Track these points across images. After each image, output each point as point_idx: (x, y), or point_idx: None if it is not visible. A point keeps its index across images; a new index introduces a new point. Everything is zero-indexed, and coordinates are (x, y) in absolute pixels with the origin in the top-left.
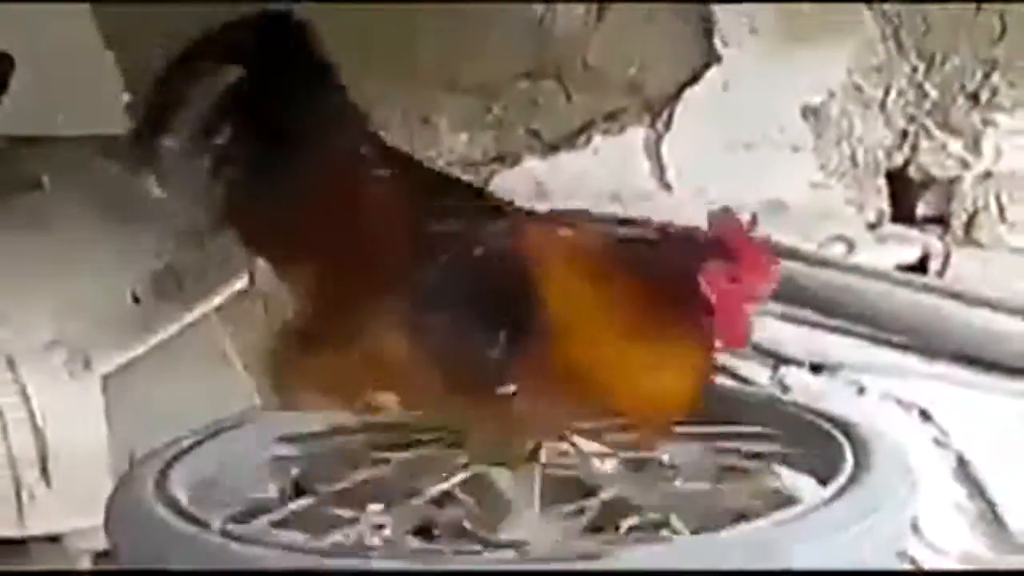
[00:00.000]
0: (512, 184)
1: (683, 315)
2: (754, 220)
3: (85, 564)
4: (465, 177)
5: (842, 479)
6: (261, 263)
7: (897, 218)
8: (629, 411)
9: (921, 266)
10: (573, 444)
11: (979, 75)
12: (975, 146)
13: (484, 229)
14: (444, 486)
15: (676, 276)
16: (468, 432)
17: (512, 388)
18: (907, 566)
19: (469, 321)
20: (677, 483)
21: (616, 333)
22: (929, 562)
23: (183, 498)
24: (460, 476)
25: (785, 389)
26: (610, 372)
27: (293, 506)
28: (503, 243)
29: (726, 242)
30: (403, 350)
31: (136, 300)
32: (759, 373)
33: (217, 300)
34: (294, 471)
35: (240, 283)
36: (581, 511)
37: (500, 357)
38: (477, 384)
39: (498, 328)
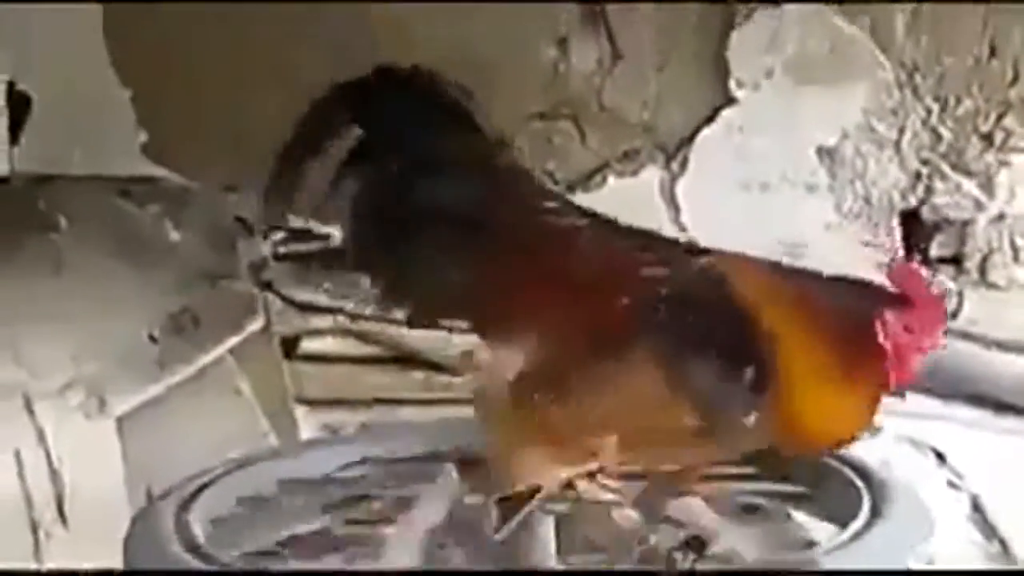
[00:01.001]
0: None
1: (865, 359)
2: (934, 274)
3: None
4: None
5: (859, 524)
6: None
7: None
8: (804, 445)
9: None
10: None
11: (993, 117)
12: (989, 187)
13: (686, 266)
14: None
15: (857, 321)
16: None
17: (753, 419)
18: None
19: (718, 358)
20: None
21: (814, 374)
22: None
23: (201, 536)
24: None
25: None
26: (809, 412)
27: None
28: (716, 282)
29: (907, 294)
30: (662, 390)
31: (153, 340)
32: None
33: (233, 341)
34: (312, 510)
35: (256, 324)
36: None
37: (747, 391)
38: (728, 418)
39: (742, 364)
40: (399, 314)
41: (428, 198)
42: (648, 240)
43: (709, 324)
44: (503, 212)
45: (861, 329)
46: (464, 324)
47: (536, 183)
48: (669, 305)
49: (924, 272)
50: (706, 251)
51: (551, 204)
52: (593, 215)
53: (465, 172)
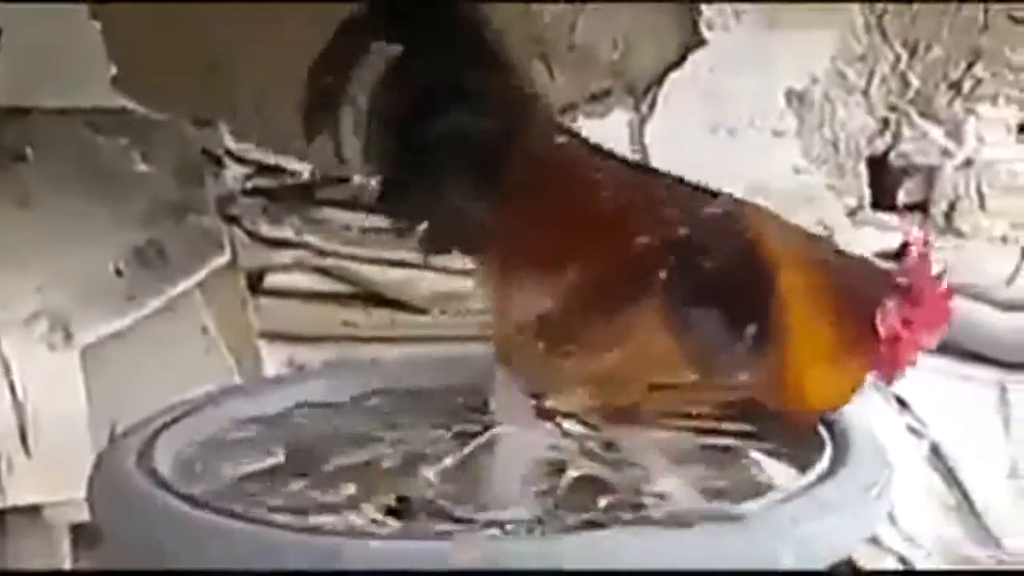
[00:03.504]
0: None
1: (861, 338)
2: (943, 273)
3: (64, 536)
4: None
5: (820, 468)
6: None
7: (877, 205)
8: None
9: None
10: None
11: (962, 65)
12: (957, 135)
13: (707, 211)
14: (426, 466)
15: (864, 301)
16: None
17: (747, 378)
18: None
19: (723, 314)
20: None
21: (819, 340)
22: (903, 549)
23: (166, 472)
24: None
25: None
26: (802, 381)
27: (273, 484)
28: (737, 233)
29: (915, 289)
30: (670, 347)
31: (119, 274)
32: None
33: (199, 275)
34: (274, 449)
35: (222, 259)
36: (553, 489)
37: (747, 350)
38: (725, 375)
39: (747, 321)
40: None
41: (453, 124)
42: (669, 182)
43: (721, 273)
44: (524, 146)
45: (865, 312)
46: (473, 260)
47: (557, 121)
48: (682, 249)
49: (937, 268)
50: (737, 201)
51: (572, 141)
52: (614, 155)
53: (491, 102)
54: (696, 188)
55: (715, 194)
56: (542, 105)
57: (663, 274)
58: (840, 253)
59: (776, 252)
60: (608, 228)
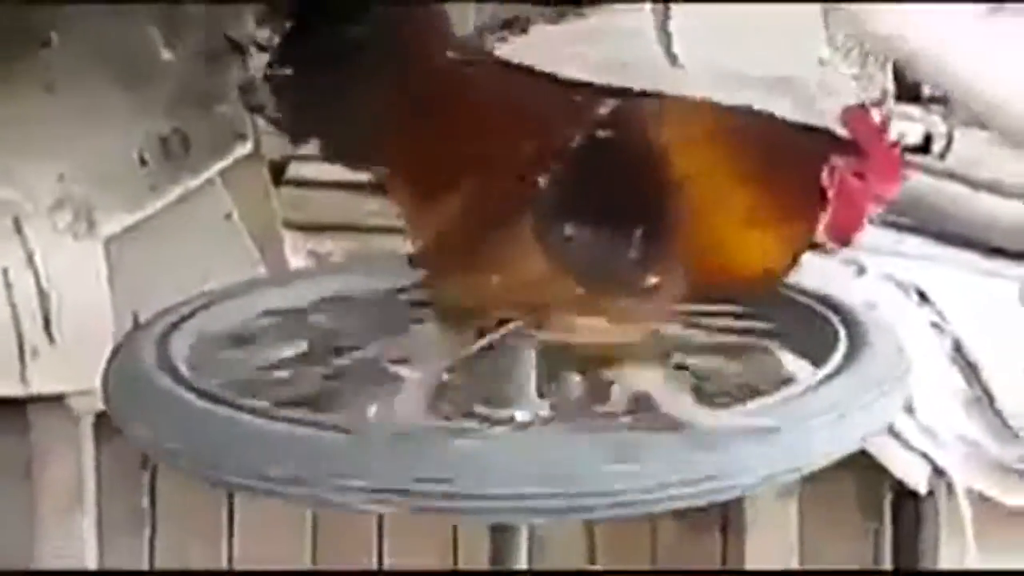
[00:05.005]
0: (521, 53)
1: (800, 202)
2: (887, 121)
3: (87, 425)
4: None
5: (836, 361)
6: None
7: (902, 97)
8: (727, 278)
9: (924, 147)
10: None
11: None
12: None
13: (596, 114)
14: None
15: (800, 163)
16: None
17: (654, 281)
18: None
19: (604, 225)
20: (675, 358)
21: (739, 214)
22: (924, 446)
23: (183, 365)
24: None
25: None
26: (727, 249)
27: (295, 377)
28: (630, 128)
29: (858, 139)
30: (543, 270)
31: (143, 163)
32: None
33: (222, 164)
34: (298, 342)
35: (245, 148)
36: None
37: (638, 254)
38: (618, 287)
39: (633, 224)
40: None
41: (346, 33)
42: (558, 85)
43: (595, 180)
44: (417, 56)
45: (802, 171)
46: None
47: (449, 27)
48: (555, 161)
49: (878, 118)
50: (633, 97)
51: (461, 46)
52: (517, 67)
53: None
54: (596, 90)
55: (614, 92)
56: (436, 11)
57: (533, 190)
58: (774, 121)
59: (671, 142)
60: (492, 143)
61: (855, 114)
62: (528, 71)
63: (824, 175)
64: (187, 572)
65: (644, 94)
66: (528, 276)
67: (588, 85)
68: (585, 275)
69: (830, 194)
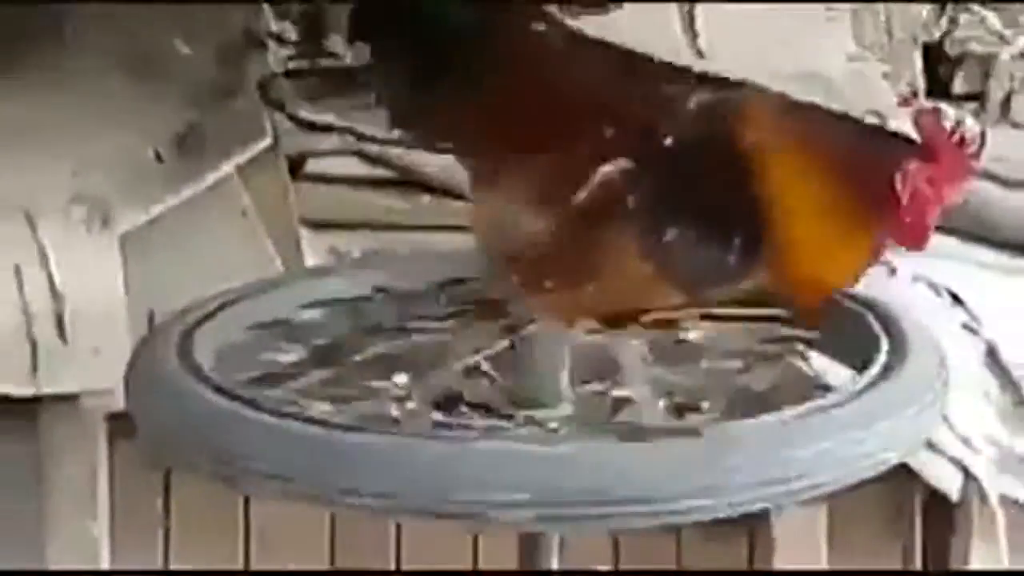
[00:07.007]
0: None
1: (879, 207)
2: (959, 125)
3: (100, 426)
4: None
5: (876, 369)
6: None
7: (932, 94)
8: (800, 285)
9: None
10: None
11: None
12: (1014, 22)
13: (686, 110)
14: (473, 359)
15: (877, 168)
16: None
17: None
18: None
19: (704, 230)
20: (704, 364)
21: (827, 220)
22: (957, 451)
23: (205, 364)
24: (490, 350)
25: None
26: (815, 256)
27: (316, 375)
28: (719, 126)
29: (930, 143)
30: (649, 276)
31: (159, 158)
32: None
33: (239, 159)
34: (318, 340)
35: (263, 143)
36: (605, 392)
37: (736, 260)
38: (718, 293)
39: (732, 229)
40: (403, 135)
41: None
42: (655, 72)
43: (695, 185)
44: (500, 32)
45: (877, 176)
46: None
47: (539, 8)
48: (653, 163)
49: (951, 119)
50: (728, 87)
51: (552, 28)
52: (601, 43)
53: None
54: (687, 76)
55: (705, 79)
56: None
57: (633, 195)
58: (849, 122)
59: (760, 144)
60: (576, 135)
61: (927, 116)
62: (616, 49)
63: (898, 180)
64: (201, 572)
65: (727, 82)
66: (624, 283)
67: (675, 69)
68: (685, 281)
69: (903, 199)
